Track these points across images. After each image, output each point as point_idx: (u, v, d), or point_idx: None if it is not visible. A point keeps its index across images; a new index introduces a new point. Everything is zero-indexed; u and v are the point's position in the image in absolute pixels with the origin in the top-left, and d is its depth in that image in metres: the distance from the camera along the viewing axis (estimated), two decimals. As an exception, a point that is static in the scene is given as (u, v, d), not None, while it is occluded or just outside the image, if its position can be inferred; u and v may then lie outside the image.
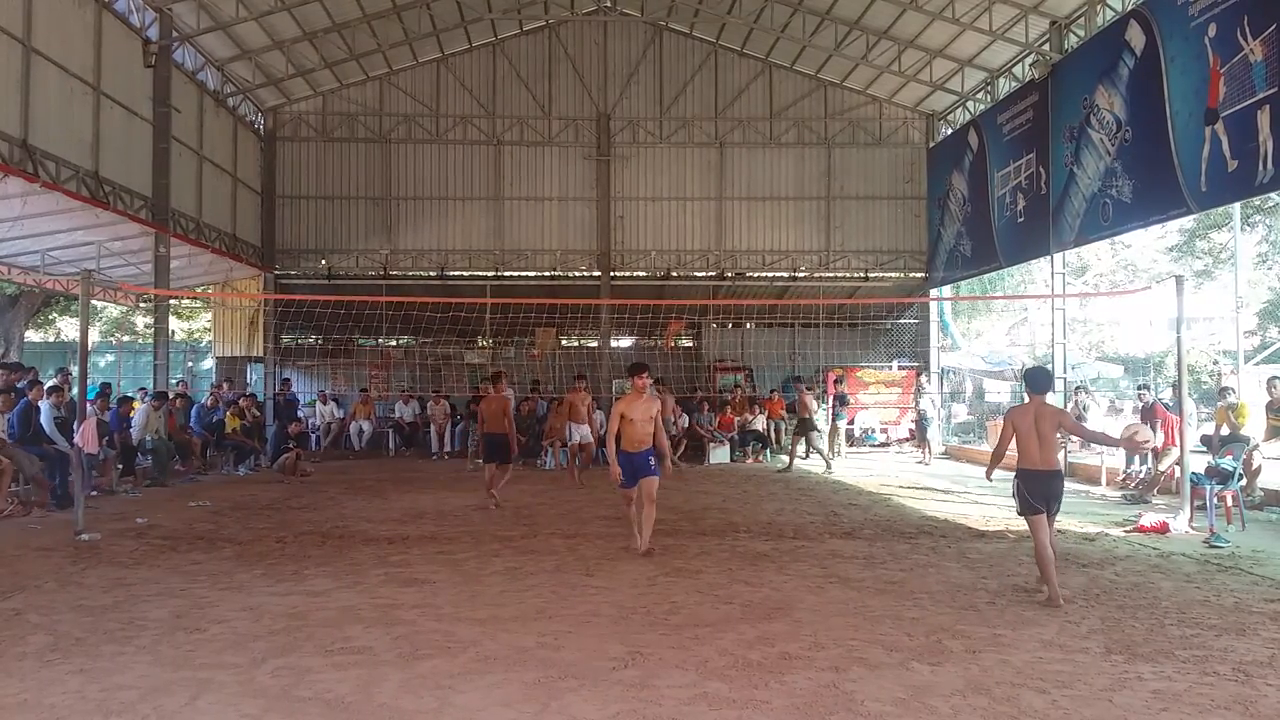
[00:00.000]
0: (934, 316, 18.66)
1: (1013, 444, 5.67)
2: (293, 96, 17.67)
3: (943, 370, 18.55)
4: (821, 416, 17.01)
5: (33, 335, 22.94)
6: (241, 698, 3.78)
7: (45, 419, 9.50)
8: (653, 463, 6.76)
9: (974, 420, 17.81)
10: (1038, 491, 5.53)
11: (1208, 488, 8.16)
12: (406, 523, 8.53)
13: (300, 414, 16.09)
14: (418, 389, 17.15)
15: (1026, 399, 5.81)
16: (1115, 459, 11.54)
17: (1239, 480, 8.45)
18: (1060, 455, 6.32)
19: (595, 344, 19.40)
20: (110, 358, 21.21)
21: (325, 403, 16.40)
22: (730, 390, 17.28)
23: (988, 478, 6.23)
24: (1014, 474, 5.69)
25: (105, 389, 12.40)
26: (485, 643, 4.55)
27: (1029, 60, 14.37)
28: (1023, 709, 3.68)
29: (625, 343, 20.32)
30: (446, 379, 17.65)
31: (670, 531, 8.05)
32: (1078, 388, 13.60)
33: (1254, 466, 9.29)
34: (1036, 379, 5.80)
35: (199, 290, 19.11)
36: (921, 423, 15.43)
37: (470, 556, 6.85)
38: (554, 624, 4.92)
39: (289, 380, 17.13)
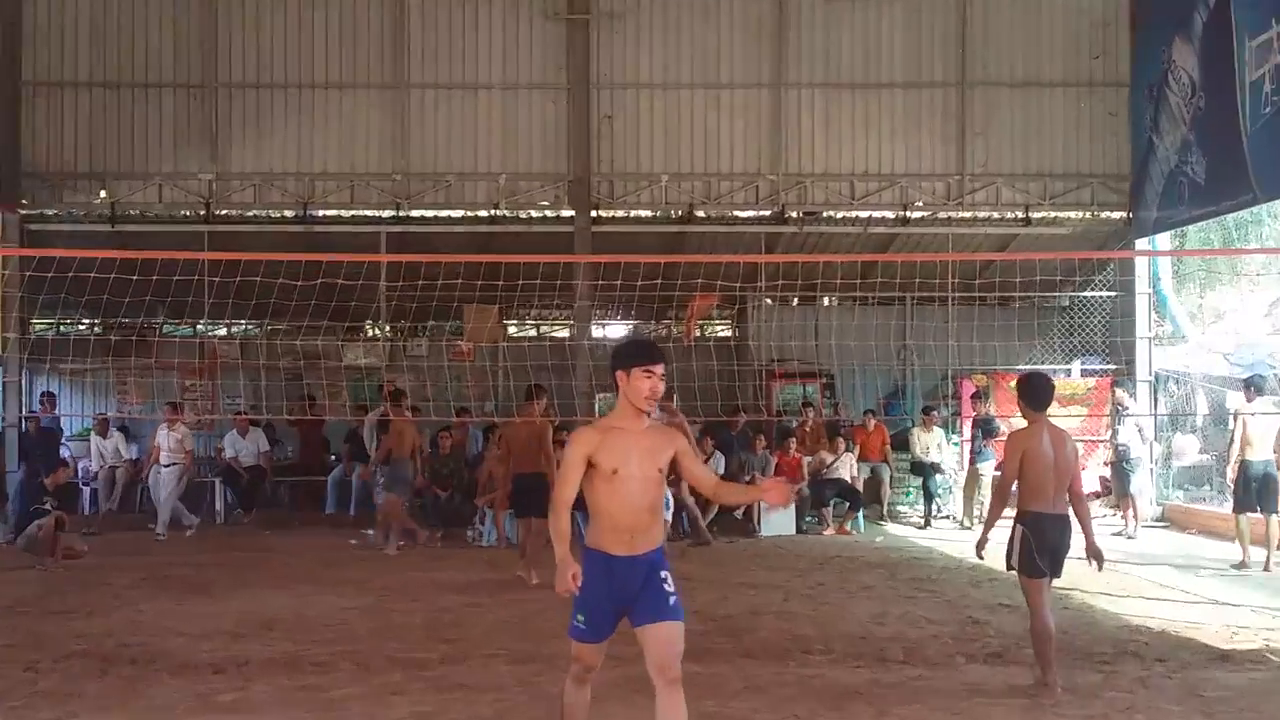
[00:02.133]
0: (1142, 286, 18.64)
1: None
2: (51, -87, 17.73)
3: (1158, 377, 18.51)
4: (951, 455, 17.03)
5: None
6: None
7: None
8: (667, 584, 5.13)
9: (1211, 462, 17.77)
10: (1048, 544, 6.91)
11: None
12: (246, 638, 8.52)
13: (66, 453, 16.03)
14: (265, 409, 17.15)
15: (1024, 418, 7.37)
16: None
17: None
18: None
19: (566, 332, 19.37)
20: None
21: (107, 434, 16.38)
22: (797, 411, 17.26)
23: (979, 553, 7.39)
24: (1015, 519, 7.09)
25: None
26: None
27: None
28: None
29: (617, 330, 20.31)
30: (316, 390, 17.63)
31: (698, 652, 7.99)
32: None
33: None
34: (1042, 392, 7.31)
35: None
36: (1122, 467, 15.41)
37: (354, 695, 6.84)
38: (497, 809, 4.91)
39: (51, 395, 17.11)
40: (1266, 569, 11.95)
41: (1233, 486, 12.91)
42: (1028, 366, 18.10)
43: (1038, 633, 6.91)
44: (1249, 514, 12.48)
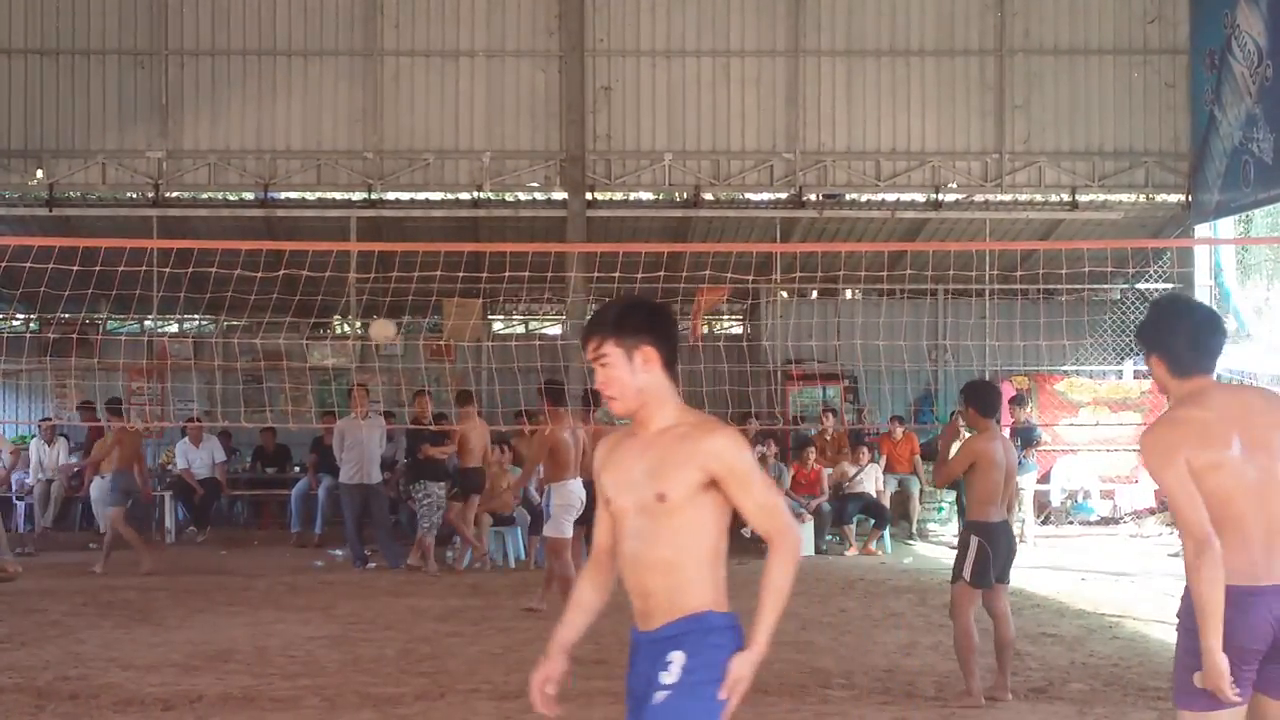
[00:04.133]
0: (1202, 278, 18.66)
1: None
2: None
3: (1220, 379, 18.53)
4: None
5: None
6: None
7: None
8: (665, 673, 3.73)
9: None
10: (1001, 554, 7.62)
11: None
12: (199, 670, 8.51)
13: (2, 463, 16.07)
14: (221, 414, 17.16)
15: (973, 425, 7.93)
16: None
17: None
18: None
19: (558, 330, 19.39)
20: None
21: (51, 440, 16.41)
22: (816, 418, 17.27)
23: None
24: (969, 530, 7.74)
25: None
26: None
27: None
28: None
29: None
30: (276, 397, 17.63)
31: (701, 687, 8.04)
32: None
33: None
34: (994, 398, 8.20)
35: None
36: (1180, 480, 15.43)
37: (319, 735, 6.84)
38: None
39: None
40: None
41: None
42: (1073, 367, 18.16)
43: (961, 642, 7.54)
44: None
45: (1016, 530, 15.38)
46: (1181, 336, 4.23)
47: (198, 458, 16.48)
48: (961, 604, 7.56)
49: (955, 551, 8.06)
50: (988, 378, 17.90)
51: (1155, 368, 4.30)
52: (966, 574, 7.52)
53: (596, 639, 9.67)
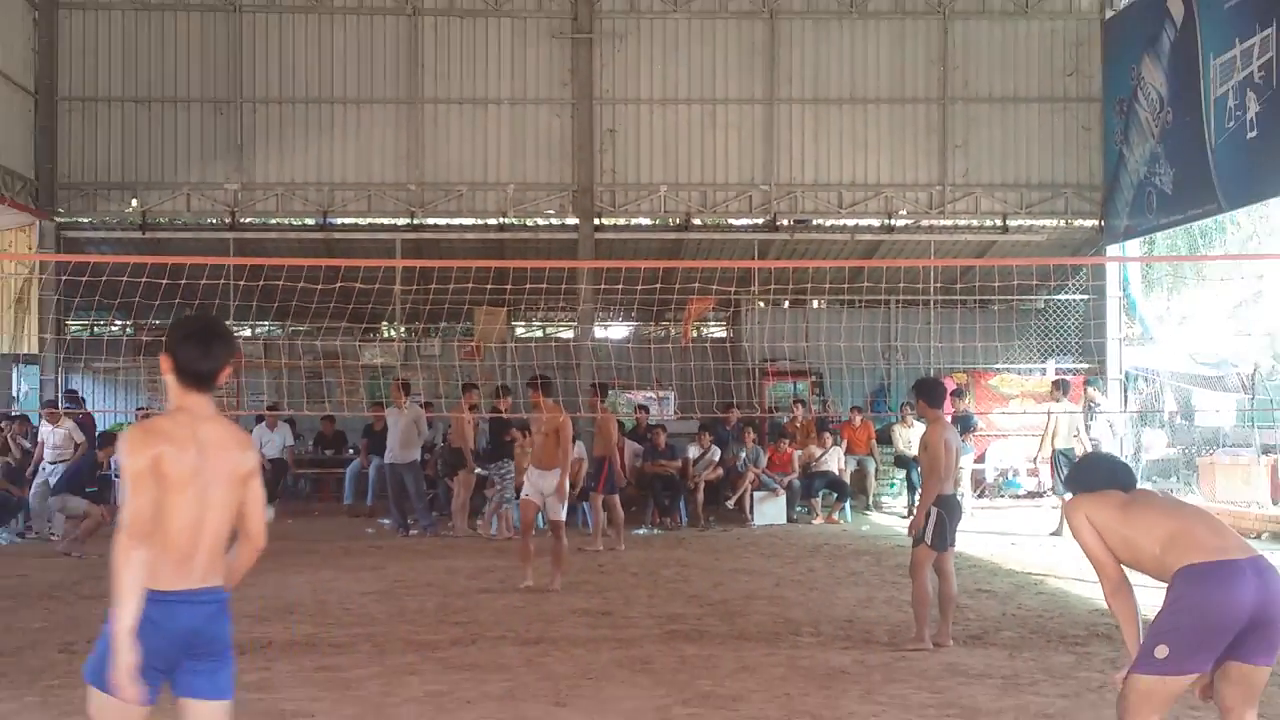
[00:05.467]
0: (1113, 290, 18.65)
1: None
2: (85, -62, 17.73)
3: (1128, 376, 18.53)
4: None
5: None
6: None
7: None
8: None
9: (1178, 456, 17.79)
10: (954, 521, 7.81)
11: None
12: (268, 620, 8.51)
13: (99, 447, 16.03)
14: (286, 404, 17.15)
15: (925, 416, 8.15)
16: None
17: None
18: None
19: (570, 334, 19.38)
20: None
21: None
22: (788, 408, 17.27)
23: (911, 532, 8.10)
24: (933, 503, 7.68)
25: None
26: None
27: (1265, -122, 14.37)
28: None
29: (619, 332, 20.32)
30: (333, 390, 17.64)
31: (692, 635, 8.07)
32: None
33: None
34: (941, 391, 8.49)
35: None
36: (1094, 460, 15.43)
37: (370, 675, 6.85)
38: (505, 783, 4.92)
39: (75, 394, 17.12)
40: None
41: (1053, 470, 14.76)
42: (1004, 366, 18.16)
43: (918, 595, 7.67)
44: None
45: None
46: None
47: (270, 441, 16.45)
48: (921, 564, 7.65)
49: (908, 519, 8.14)
50: (932, 375, 17.96)
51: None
52: (928, 538, 7.60)
53: (603, 594, 9.75)
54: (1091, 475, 4.53)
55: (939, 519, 7.61)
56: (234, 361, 3.86)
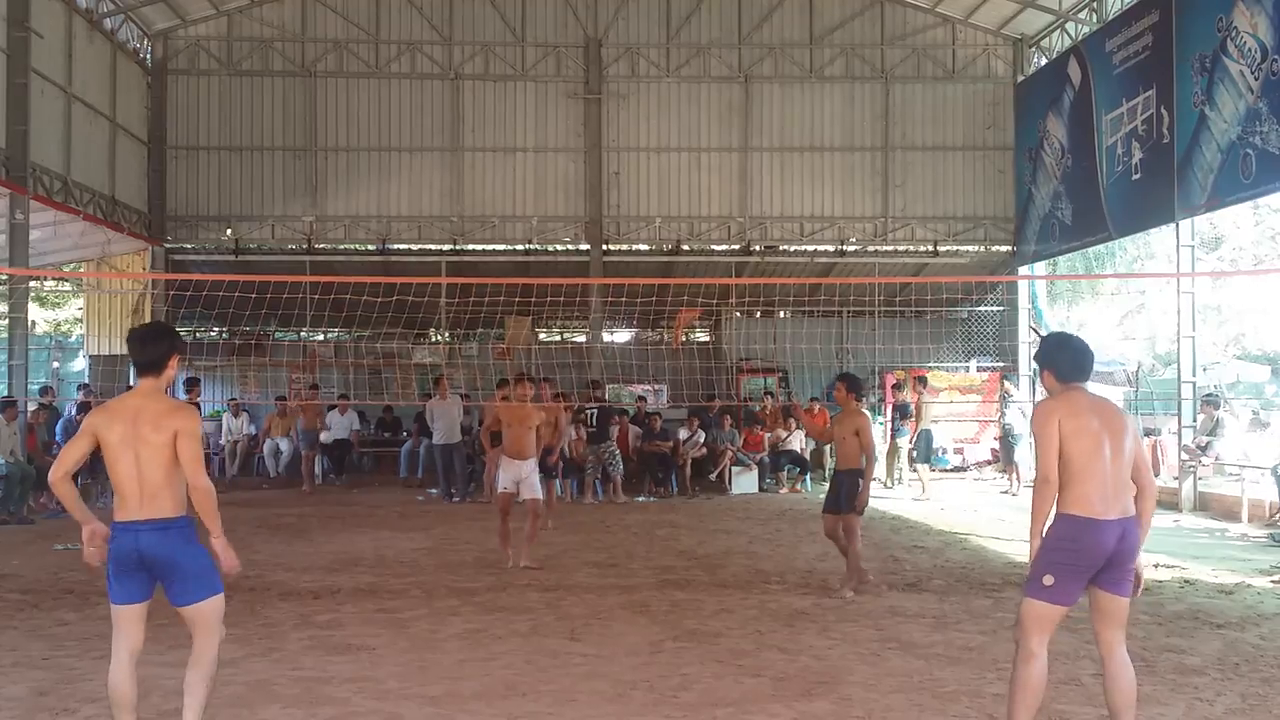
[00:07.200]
0: (1024, 302, 18.65)
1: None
2: (189, 17, 17.69)
3: (1035, 372, 18.52)
4: (876, 431, 17.03)
5: None
6: (122, 800, 3.78)
7: None
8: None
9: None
10: (850, 491, 7.57)
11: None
12: (337, 571, 8.52)
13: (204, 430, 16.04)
14: (352, 395, 17.16)
15: (846, 405, 7.66)
16: (1262, 488, 11.53)
17: None
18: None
19: (583, 338, 19.40)
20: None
21: (238, 414, 16.41)
22: (759, 399, 17.28)
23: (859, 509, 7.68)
24: (852, 474, 7.56)
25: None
26: (440, 728, 4.55)
27: (1147, -32, 14.36)
28: (1140, 814, 3.67)
29: (622, 337, 20.34)
30: (390, 384, 17.66)
31: (681, 583, 8.06)
32: (1208, 397, 13.57)
33: None
34: (861, 384, 7.93)
35: (67, 269, 19.09)
36: (1008, 440, 15.43)
37: (420, 615, 6.85)
38: (529, 703, 4.92)
39: (198, 381, 17.04)
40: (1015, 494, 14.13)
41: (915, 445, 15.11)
42: (935, 364, 18.15)
43: (859, 553, 7.62)
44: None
45: (895, 475, 15.64)
46: (1063, 356, 4.29)
47: (340, 425, 16.44)
48: (855, 528, 7.60)
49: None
50: (876, 372, 17.98)
51: (1046, 378, 4.32)
52: (859, 507, 7.56)
53: (608, 550, 9.74)
54: (1061, 358, 4.27)
55: (865, 490, 7.53)
56: (180, 355, 4.17)
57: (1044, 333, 15.56)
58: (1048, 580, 4.04)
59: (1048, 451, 4.07)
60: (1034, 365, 15.57)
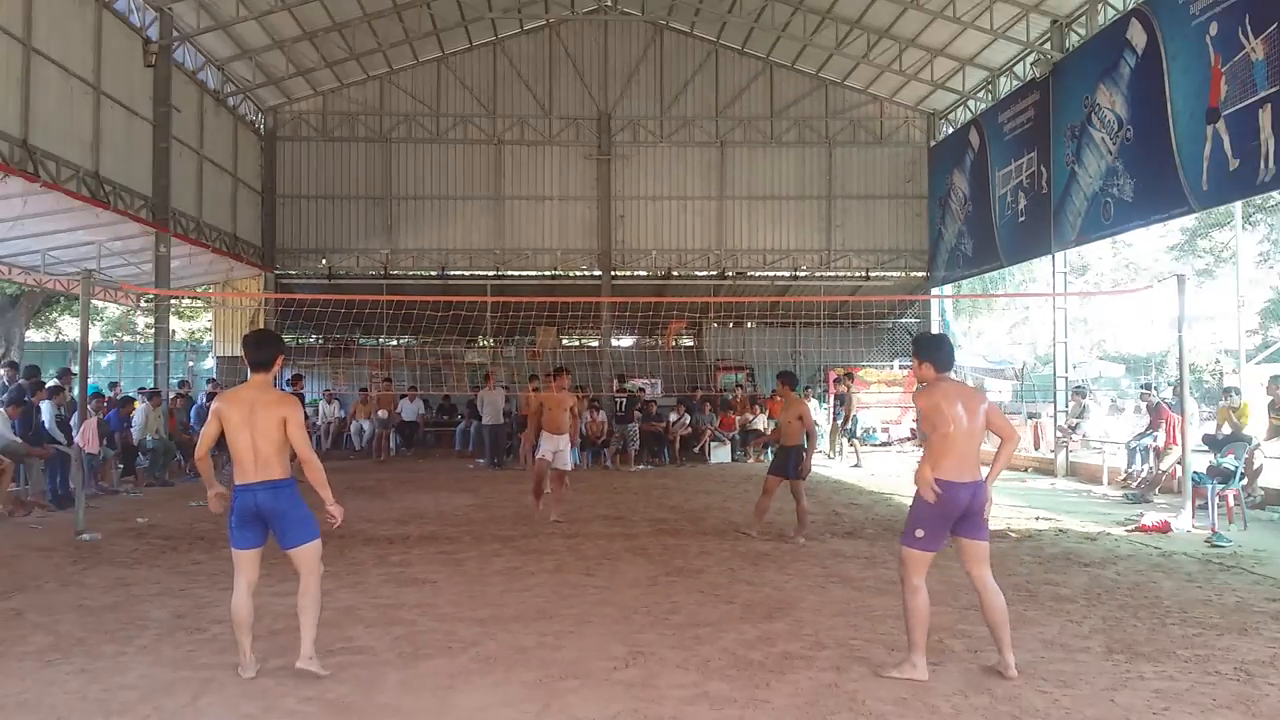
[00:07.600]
0: (935, 315, 18.66)
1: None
2: (293, 96, 17.68)
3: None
4: (823, 415, 17.06)
5: (34, 335, 22.95)
6: (242, 698, 3.79)
7: (47, 419, 9.51)
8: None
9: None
10: (795, 461, 7.50)
11: (1210, 487, 8.16)
12: (407, 523, 8.51)
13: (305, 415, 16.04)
14: (419, 386, 17.17)
15: (786, 396, 7.60)
16: (1117, 458, 11.53)
17: (1241, 480, 8.45)
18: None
19: (596, 343, 19.40)
20: (111, 357, 21.21)
21: (330, 402, 16.41)
22: (732, 390, 17.27)
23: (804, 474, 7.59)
24: (790, 448, 7.45)
25: (115, 389, 12.26)
26: (486, 643, 4.55)
27: (1030, 59, 14.34)
28: (1024, 708, 3.68)
29: (626, 342, 20.33)
30: (447, 378, 17.64)
31: (671, 531, 8.05)
32: (1077, 388, 13.56)
33: (1256, 466, 9.26)
34: (794, 378, 7.79)
35: (199, 290, 19.10)
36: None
37: (471, 556, 6.84)
38: (555, 624, 4.92)
39: (301, 377, 17.05)
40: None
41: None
42: (866, 363, 18.16)
43: (807, 510, 7.57)
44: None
45: (837, 449, 15.60)
46: (941, 353, 4.20)
47: (409, 410, 16.41)
48: (802, 491, 7.58)
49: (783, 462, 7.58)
50: (821, 370, 18.00)
51: (923, 368, 4.20)
52: (790, 473, 7.51)
53: (616, 506, 9.72)
54: (940, 354, 4.17)
55: (798, 458, 7.44)
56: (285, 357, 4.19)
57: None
58: (919, 533, 4.02)
59: (946, 419, 3.99)
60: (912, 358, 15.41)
